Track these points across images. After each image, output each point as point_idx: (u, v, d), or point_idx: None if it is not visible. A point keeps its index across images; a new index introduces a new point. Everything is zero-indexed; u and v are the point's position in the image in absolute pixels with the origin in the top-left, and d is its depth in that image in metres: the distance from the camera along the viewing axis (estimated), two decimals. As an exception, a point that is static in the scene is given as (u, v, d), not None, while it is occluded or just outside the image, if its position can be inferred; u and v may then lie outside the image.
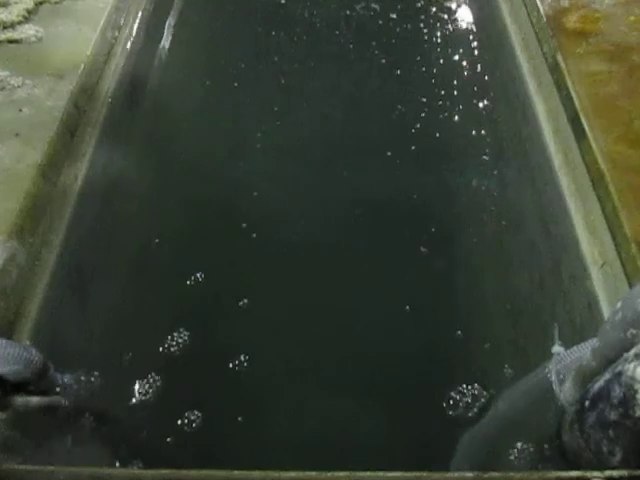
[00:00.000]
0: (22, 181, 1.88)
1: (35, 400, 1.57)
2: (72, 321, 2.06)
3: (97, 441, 1.73)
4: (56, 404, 1.66)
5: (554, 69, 2.40)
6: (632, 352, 1.21)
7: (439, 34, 3.59)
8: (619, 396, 1.18)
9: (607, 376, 1.26)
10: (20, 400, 1.53)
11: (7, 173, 1.89)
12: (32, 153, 1.96)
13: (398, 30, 3.56)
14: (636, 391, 1.13)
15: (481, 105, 3.07)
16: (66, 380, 1.75)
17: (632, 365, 1.16)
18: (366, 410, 2.06)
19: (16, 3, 2.54)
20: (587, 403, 1.33)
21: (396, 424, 2.04)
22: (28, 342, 1.85)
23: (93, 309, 2.16)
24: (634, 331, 1.26)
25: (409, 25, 3.59)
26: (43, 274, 1.98)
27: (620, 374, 1.20)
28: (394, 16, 3.65)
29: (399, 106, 3.08)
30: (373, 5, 3.79)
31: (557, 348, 1.78)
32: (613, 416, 1.21)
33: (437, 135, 2.99)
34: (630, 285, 1.77)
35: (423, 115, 3.07)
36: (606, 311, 1.92)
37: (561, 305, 2.21)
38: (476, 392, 2.16)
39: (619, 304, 1.32)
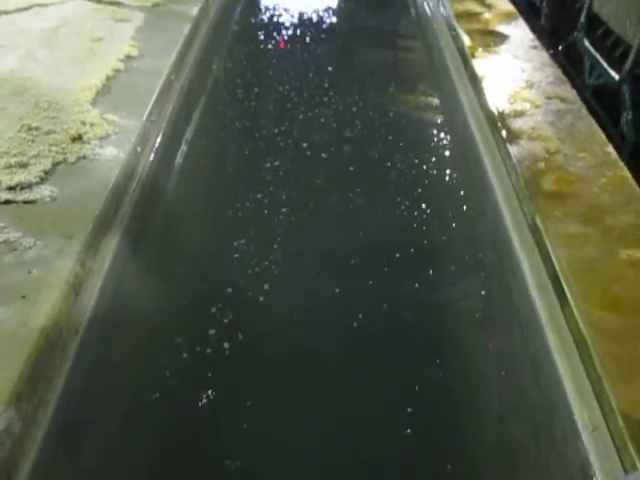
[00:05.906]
0: (25, 346, 1.94)
1: None
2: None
3: None
4: None
5: (534, 230, 2.55)
6: None
7: (423, 170, 3.84)
8: None
9: None
10: None
11: (11, 338, 1.96)
12: (37, 316, 2.04)
13: (390, 185, 3.78)
14: None
15: (467, 256, 3.20)
16: None
17: None
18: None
19: (34, 164, 2.74)
20: None
21: None
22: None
23: (86, 469, 2.14)
24: (622, 525, 1.27)
25: (398, 178, 3.82)
26: (37, 434, 1.98)
27: None
28: (386, 170, 3.89)
29: (379, 264, 3.19)
30: (365, 149, 4.07)
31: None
32: None
33: (424, 283, 3.08)
34: (619, 456, 1.79)
35: (409, 272, 3.16)
36: (599, 475, 1.91)
37: (555, 463, 2.19)
38: None
39: (607, 495, 1.33)
